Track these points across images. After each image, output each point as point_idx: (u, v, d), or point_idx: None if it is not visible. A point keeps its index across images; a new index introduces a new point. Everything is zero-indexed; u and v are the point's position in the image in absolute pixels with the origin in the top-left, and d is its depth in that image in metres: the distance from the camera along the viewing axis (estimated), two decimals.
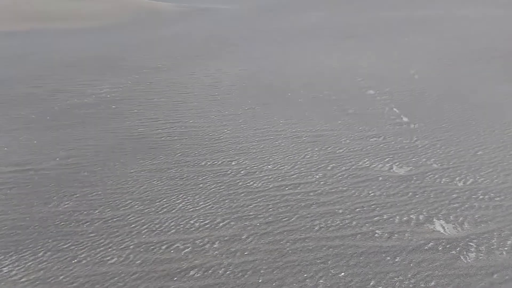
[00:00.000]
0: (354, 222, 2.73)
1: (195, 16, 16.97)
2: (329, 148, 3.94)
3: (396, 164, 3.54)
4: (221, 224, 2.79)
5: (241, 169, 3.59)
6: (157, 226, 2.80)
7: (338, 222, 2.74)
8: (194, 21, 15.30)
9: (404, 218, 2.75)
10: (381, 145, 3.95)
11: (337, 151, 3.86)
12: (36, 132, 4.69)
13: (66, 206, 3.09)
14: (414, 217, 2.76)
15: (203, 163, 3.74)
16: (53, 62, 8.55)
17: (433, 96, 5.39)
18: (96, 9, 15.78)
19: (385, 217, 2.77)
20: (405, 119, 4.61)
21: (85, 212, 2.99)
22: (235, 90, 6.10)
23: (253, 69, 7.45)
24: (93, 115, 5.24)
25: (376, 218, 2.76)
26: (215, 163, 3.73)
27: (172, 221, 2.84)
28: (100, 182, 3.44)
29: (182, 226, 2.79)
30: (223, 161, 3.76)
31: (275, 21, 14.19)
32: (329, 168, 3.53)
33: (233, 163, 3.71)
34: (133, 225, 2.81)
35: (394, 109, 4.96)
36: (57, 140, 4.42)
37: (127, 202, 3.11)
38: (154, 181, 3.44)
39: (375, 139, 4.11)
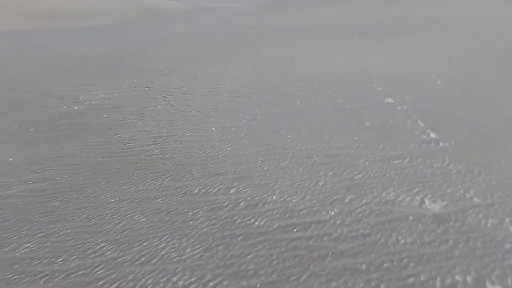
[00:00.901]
0: (383, 286, 2.05)
1: (201, 15, 16.29)
2: (345, 173, 3.25)
3: (428, 197, 2.84)
4: (211, 283, 2.13)
5: (240, 199, 2.93)
6: (130, 284, 2.16)
7: (362, 285, 2.07)
8: (200, 20, 14.62)
9: (448, 281, 2.06)
10: (407, 169, 3.25)
11: (355, 177, 3.17)
12: (14, 147, 4.09)
13: (25, 250, 2.47)
14: (460, 279, 2.07)
15: (196, 191, 3.08)
16: (50, 64, 7.98)
17: (461, 106, 4.64)
18: (100, 7, 15.19)
19: (422, 278, 2.09)
20: (432, 135, 3.89)
21: (45, 261, 2.37)
22: (239, 97, 5.43)
23: (259, 71, 6.77)
24: (80, 126, 4.62)
25: (410, 280, 2.08)
26: (210, 191, 3.07)
27: (150, 277, 2.20)
28: (72, 216, 2.82)
29: (162, 285, 2.14)
30: (220, 188, 3.11)
31: (282, 19, 13.44)
32: (346, 201, 2.85)
33: (231, 191, 3.05)
34: (100, 283, 2.18)
35: (418, 122, 4.24)
36: (35, 158, 3.81)
37: (99, 246, 2.47)
38: (136, 215, 2.80)
39: (399, 161, 3.41)
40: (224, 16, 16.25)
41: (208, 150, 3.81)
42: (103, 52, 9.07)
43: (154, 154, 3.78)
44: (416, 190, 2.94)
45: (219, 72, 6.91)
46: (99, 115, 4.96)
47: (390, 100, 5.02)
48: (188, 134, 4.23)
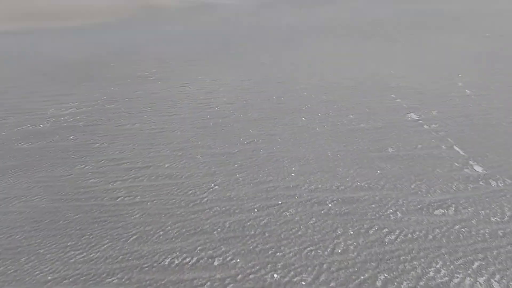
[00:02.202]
0: None
1: (198, 13, 15.32)
2: (371, 232, 2.35)
3: (497, 278, 1.95)
4: None
5: (228, 280, 2.04)
6: None
7: None
8: (196, 19, 13.66)
9: None
10: (456, 226, 2.35)
11: (386, 239, 2.27)
12: None
13: None
14: None
15: (166, 262, 2.19)
16: (26, 69, 7.06)
17: (504, 125, 3.73)
18: (92, 5, 14.23)
19: None
20: (478, 169, 2.98)
21: None
22: (233, 112, 4.52)
23: (257, 78, 5.85)
24: (39, 152, 3.72)
25: None
26: (187, 262, 2.18)
27: None
28: None
29: None
30: (201, 258, 2.21)
31: (283, 17, 12.47)
32: (379, 284, 1.95)
33: (215, 263, 2.16)
34: None
35: (455, 148, 3.33)
36: None
37: None
38: None
39: (442, 211, 2.50)
40: (222, 14, 15.28)
41: (190, 191, 2.91)
42: (87, 55, 8.15)
43: (120, 197, 2.88)
44: (476, 264, 2.04)
45: (212, 78, 6.00)
46: (65, 137, 4.06)
47: (413, 116, 4.10)
48: (167, 165, 3.33)
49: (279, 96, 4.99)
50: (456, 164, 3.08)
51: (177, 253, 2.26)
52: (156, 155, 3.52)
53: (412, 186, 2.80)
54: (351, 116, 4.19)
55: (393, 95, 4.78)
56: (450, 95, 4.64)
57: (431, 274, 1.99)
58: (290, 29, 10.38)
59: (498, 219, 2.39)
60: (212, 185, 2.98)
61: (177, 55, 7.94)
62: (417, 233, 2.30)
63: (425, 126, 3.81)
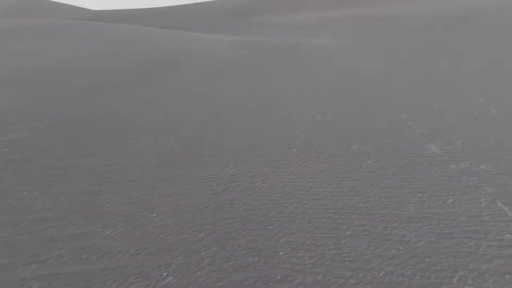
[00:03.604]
0: None
1: (193, 10, 14.10)
2: None
3: None
4: None
5: None
6: None
7: None
8: (190, 17, 12.47)
9: None
10: None
11: None
12: None
13: None
14: None
15: None
16: None
17: None
18: (79, 4, 12.94)
19: None
20: None
21: None
22: (209, 140, 3.50)
23: (240, 91, 4.82)
24: None
25: None
26: None
27: None
28: None
29: None
30: None
31: (276, 17, 11.36)
32: None
33: None
34: None
35: (499, 204, 2.37)
36: None
37: None
38: None
39: None
40: (216, 10, 14.09)
41: (131, 286, 1.91)
42: (56, 59, 7.01)
43: None
44: None
45: (189, 90, 4.95)
46: None
47: (434, 148, 3.13)
48: (108, 232, 2.32)
49: (265, 115, 3.98)
50: (508, 235, 2.11)
51: None
52: (97, 213, 2.51)
53: (455, 281, 1.83)
54: (354, 148, 3.20)
55: (403, 115, 3.79)
56: (472, 116, 3.67)
57: None
58: (284, 25, 9.29)
59: None
60: (165, 274, 1.98)
61: (159, 58, 6.84)
62: None
63: (451, 166, 2.84)
